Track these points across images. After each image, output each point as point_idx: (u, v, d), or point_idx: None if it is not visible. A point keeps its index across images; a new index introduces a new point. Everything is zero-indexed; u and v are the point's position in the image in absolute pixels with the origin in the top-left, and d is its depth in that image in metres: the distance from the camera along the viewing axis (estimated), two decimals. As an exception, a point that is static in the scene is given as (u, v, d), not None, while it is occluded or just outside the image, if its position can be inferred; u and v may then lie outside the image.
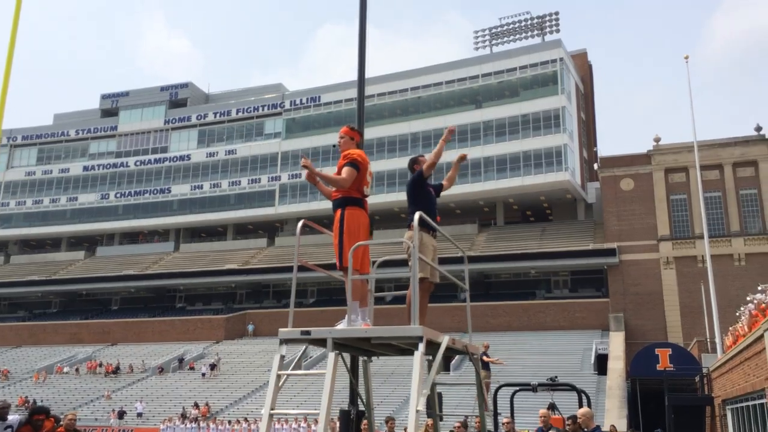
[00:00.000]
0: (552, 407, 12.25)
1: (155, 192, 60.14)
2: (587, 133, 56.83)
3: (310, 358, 37.82)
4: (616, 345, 37.49)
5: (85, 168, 63.06)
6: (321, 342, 5.36)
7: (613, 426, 19.88)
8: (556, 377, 12.36)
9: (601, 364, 35.34)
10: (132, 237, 62.91)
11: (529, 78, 51.76)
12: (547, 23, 54.68)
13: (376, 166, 55.31)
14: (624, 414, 29.28)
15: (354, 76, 59.58)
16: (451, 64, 54.69)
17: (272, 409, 5.14)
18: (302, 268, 6.15)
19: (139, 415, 37.65)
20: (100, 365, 47.18)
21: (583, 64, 57.73)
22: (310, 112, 58.22)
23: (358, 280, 5.68)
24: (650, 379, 28.23)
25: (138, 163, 61.77)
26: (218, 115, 61.54)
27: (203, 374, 43.09)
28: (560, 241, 47.46)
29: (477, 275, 49.00)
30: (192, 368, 45.01)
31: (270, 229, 59.59)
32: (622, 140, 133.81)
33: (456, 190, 51.22)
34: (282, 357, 5.36)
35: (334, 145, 6.26)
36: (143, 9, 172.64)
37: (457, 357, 38.64)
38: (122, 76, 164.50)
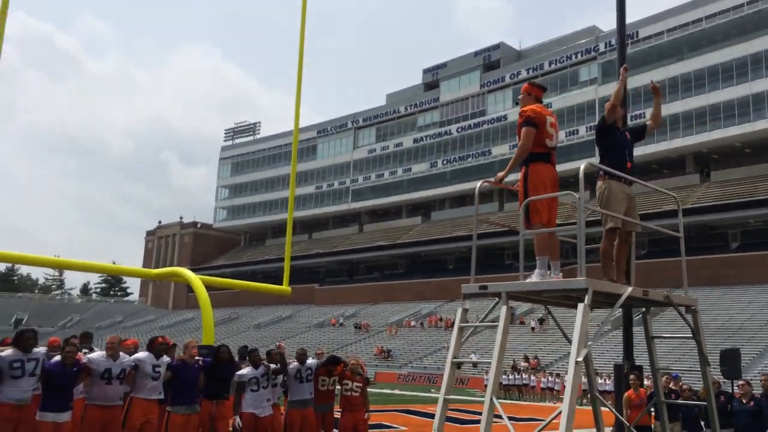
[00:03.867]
0: None
1: (477, 155, 62.76)
2: None
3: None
4: None
5: (415, 140, 68.72)
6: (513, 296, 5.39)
7: None
8: None
9: None
10: (460, 200, 66.75)
11: None
12: None
13: (696, 101, 48.92)
14: None
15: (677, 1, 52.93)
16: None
17: (455, 358, 5.42)
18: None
19: (474, 365, 40.27)
20: (441, 319, 51.66)
21: None
22: (628, 50, 54.07)
23: (545, 234, 5.57)
24: None
25: (459, 130, 65.06)
26: (530, 71, 61.21)
27: (532, 328, 44.14)
28: None
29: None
30: (522, 323, 46.42)
31: (592, 180, 57.44)
32: None
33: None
34: (465, 310, 5.54)
35: (516, 103, 6.11)
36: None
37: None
38: (440, 44, 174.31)
